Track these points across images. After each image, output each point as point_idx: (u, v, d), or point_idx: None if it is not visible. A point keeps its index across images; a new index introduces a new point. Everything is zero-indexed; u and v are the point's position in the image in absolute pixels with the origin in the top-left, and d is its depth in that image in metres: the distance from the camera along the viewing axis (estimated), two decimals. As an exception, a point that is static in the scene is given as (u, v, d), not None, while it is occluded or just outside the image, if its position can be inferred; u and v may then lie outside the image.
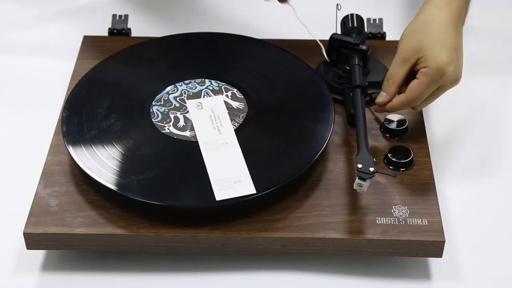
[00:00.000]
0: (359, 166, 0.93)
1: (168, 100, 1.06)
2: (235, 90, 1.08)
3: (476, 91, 1.18)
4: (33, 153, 1.08)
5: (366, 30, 1.18)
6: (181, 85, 1.09)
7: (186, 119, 1.04)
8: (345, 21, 1.14)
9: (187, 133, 1.02)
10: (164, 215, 0.95)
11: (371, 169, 0.93)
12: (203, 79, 1.10)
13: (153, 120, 1.03)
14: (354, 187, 0.93)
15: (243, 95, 1.07)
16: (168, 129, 1.02)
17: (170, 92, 1.07)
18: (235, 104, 1.06)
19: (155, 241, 0.94)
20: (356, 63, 1.08)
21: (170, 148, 1.00)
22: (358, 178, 0.92)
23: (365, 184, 0.92)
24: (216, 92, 1.08)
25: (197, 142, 1.01)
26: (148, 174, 0.97)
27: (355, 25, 1.13)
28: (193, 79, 1.10)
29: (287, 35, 1.22)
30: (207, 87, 1.09)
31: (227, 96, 1.07)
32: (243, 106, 1.06)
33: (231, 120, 1.04)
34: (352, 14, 1.14)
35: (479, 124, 1.14)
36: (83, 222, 0.95)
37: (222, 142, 1.01)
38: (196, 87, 1.09)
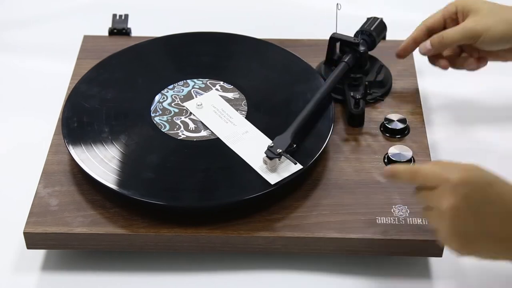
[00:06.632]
0: (271, 144, 0.96)
1: (165, 108, 1.06)
2: (221, 82, 1.08)
3: (477, 90, 1.18)
4: (33, 153, 1.08)
5: (385, 38, 1.18)
6: (167, 92, 1.08)
7: (195, 121, 1.04)
8: (366, 20, 1.13)
9: (203, 133, 1.02)
10: (164, 215, 0.95)
11: (279, 150, 0.95)
12: (185, 81, 1.10)
13: (163, 130, 1.03)
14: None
15: (232, 85, 1.08)
16: (183, 134, 1.02)
17: (161, 100, 1.07)
18: (230, 94, 1.07)
19: (155, 241, 0.94)
20: (346, 61, 1.08)
21: (175, 149, 1.00)
22: (266, 155, 0.96)
23: (270, 162, 0.95)
24: (204, 89, 1.08)
25: (217, 139, 1.01)
26: (149, 173, 0.97)
27: (372, 28, 1.12)
28: (175, 82, 1.09)
29: (287, 35, 1.22)
30: (193, 87, 1.09)
31: (217, 90, 1.08)
32: (239, 94, 1.06)
33: (237, 110, 1.04)
34: (375, 18, 1.13)
35: (480, 124, 1.14)
36: (83, 222, 0.95)
37: (242, 132, 1.01)
38: (183, 90, 1.08)
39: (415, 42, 1.07)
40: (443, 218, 0.81)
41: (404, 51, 1.08)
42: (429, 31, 1.06)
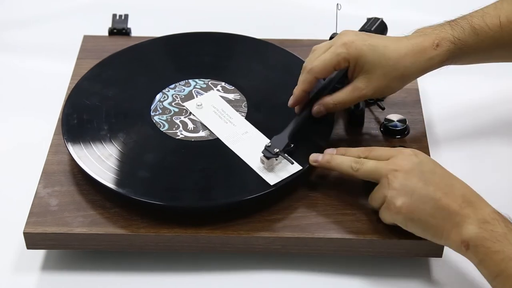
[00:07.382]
0: (268, 144, 0.96)
1: (165, 108, 1.06)
2: (222, 83, 1.08)
3: (476, 90, 1.18)
4: (33, 153, 1.08)
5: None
6: (168, 91, 1.08)
7: (193, 121, 1.04)
8: (367, 21, 1.13)
9: (202, 133, 1.02)
10: (164, 215, 0.95)
11: (276, 150, 0.95)
12: (187, 80, 1.10)
13: (161, 130, 1.03)
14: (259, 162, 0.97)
15: (233, 86, 1.08)
16: (182, 134, 1.02)
17: (161, 99, 1.07)
18: (230, 95, 1.07)
19: (155, 241, 0.94)
20: None
21: (174, 149, 1.00)
22: (263, 155, 0.96)
23: (267, 161, 0.95)
24: (205, 90, 1.08)
25: (216, 139, 1.01)
26: (149, 174, 0.97)
27: (372, 29, 1.12)
28: (175, 83, 1.09)
29: (287, 35, 1.22)
30: (194, 87, 1.09)
31: (218, 90, 1.08)
32: (240, 95, 1.06)
33: (237, 110, 1.04)
34: (376, 19, 1.13)
35: (479, 123, 1.14)
36: (83, 222, 0.95)
37: (242, 132, 1.01)
38: (184, 90, 1.08)
39: (306, 92, 1.02)
40: (396, 177, 0.89)
41: (298, 102, 1.02)
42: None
